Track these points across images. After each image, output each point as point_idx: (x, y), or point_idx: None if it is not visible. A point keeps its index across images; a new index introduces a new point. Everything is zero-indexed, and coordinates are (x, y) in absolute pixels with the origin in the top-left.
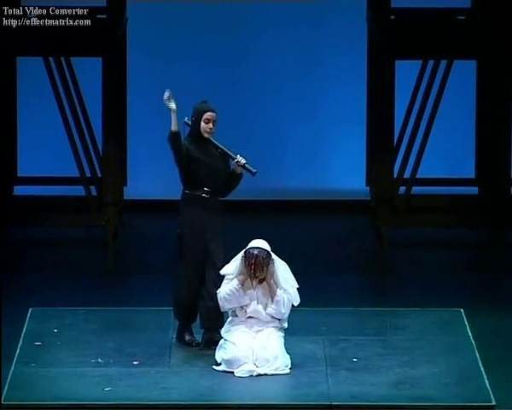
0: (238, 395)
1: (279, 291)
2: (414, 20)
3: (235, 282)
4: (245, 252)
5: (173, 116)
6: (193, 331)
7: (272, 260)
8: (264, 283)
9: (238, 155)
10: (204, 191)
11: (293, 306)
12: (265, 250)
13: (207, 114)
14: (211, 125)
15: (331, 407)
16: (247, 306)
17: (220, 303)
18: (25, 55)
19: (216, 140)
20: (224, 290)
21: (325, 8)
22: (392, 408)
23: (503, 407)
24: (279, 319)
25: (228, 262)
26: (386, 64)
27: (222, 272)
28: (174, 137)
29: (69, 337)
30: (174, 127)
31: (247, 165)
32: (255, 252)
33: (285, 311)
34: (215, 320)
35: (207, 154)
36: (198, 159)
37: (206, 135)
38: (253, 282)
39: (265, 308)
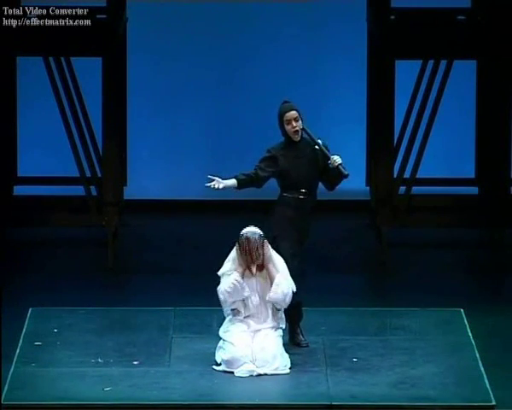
0: (238, 395)
1: (278, 275)
2: (414, 20)
3: (235, 274)
4: (237, 241)
5: (228, 184)
6: (301, 332)
7: (265, 240)
8: (263, 272)
9: (334, 156)
10: (300, 193)
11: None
12: (256, 232)
13: (286, 116)
14: (293, 124)
15: (331, 407)
16: (248, 299)
17: (222, 298)
18: (25, 55)
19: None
20: (224, 285)
21: (325, 8)
22: (392, 408)
23: (503, 407)
24: (277, 312)
25: None
26: (386, 64)
27: (219, 273)
28: (241, 186)
29: (69, 337)
30: (234, 184)
31: (340, 166)
32: (247, 235)
33: (285, 296)
34: (299, 315)
35: (299, 156)
36: (289, 163)
37: (293, 137)
38: (252, 269)
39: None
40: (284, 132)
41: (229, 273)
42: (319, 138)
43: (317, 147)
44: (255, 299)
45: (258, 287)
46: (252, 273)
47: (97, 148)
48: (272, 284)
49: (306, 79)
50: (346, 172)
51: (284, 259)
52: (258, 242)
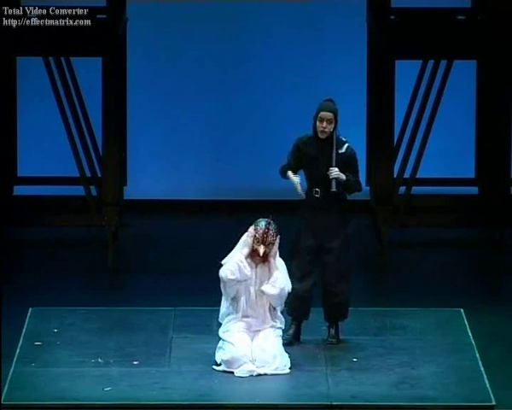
0: (238, 395)
1: (277, 271)
2: (414, 20)
3: (239, 255)
4: (254, 225)
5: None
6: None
7: (278, 232)
8: (264, 269)
9: (333, 168)
10: (316, 191)
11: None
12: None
13: (321, 114)
14: (324, 124)
15: (331, 407)
16: (246, 292)
17: (223, 275)
18: (25, 55)
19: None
20: (227, 264)
21: (325, 8)
22: (392, 408)
23: (503, 407)
24: (276, 312)
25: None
26: (386, 64)
27: (224, 261)
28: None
29: (69, 337)
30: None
31: (333, 181)
32: (269, 221)
33: (280, 291)
34: (339, 313)
35: (321, 154)
36: (310, 159)
37: (319, 135)
38: (260, 249)
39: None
40: (314, 127)
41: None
42: (349, 146)
43: (341, 151)
44: (252, 291)
45: (258, 281)
46: (259, 255)
47: (97, 148)
48: (269, 277)
49: (306, 78)
50: (333, 189)
51: (296, 257)
52: (274, 231)
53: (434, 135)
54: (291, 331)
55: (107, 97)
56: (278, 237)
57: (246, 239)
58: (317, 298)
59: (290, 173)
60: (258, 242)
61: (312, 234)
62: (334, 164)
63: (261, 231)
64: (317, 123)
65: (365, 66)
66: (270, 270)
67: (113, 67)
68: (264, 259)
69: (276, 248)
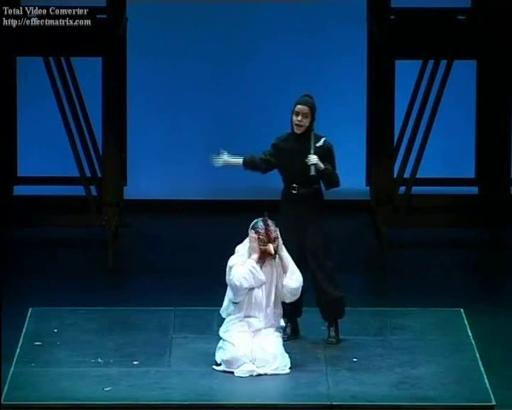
0: (238, 395)
1: (292, 263)
2: (414, 20)
3: (251, 261)
4: (252, 228)
5: (231, 161)
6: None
7: (278, 229)
8: (267, 265)
9: (312, 156)
10: (292, 187)
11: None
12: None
13: (297, 107)
14: (300, 117)
15: (331, 407)
16: (255, 292)
17: (238, 284)
18: (25, 55)
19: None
20: (240, 272)
21: (325, 8)
22: (392, 408)
23: (503, 407)
24: (277, 317)
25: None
26: (386, 64)
27: (230, 263)
28: (246, 167)
29: (69, 337)
30: (239, 163)
31: (312, 166)
32: (265, 218)
33: (299, 284)
34: (337, 311)
35: (298, 149)
36: (287, 155)
37: (295, 129)
38: (270, 248)
39: (272, 293)
40: (291, 121)
41: (242, 263)
42: (326, 140)
43: (318, 144)
44: (260, 293)
45: (269, 279)
46: (271, 254)
47: (97, 148)
48: (285, 271)
49: (306, 79)
50: (312, 173)
51: None
52: (274, 225)
53: (434, 135)
54: (288, 330)
55: (107, 97)
56: (278, 229)
57: (251, 245)
58: (314, 297)
59: (238, 159)
60: (264, 243)
61: (294, 233)
62: (312, 153)
63: (263, 231)
64: (293, 117)
65: (365, 66)
66: (283, 265)
67: (113, 67)
68: (274, 256)
69: (280, 241)
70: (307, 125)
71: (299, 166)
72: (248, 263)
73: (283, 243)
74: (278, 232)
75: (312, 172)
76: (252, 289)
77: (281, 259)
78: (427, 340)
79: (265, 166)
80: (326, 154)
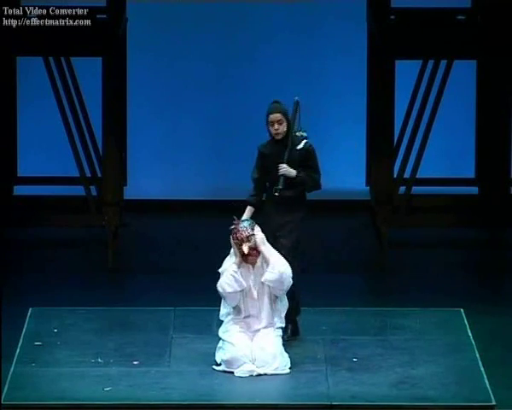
0: (238, 395)
1: (272, 257)
2: (414, 20)
3: (232, 266)
4: (230, 235)
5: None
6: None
7: (256, 225)
8: (259, 268)
9: (283, 165)
10: (275, 190)
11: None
12: (244, 220)
13: (270, 117)
14: (276, 126)
15: (331, 407)
16: (246, 296)
17: (220, 290)
18: (25, 55)
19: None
20: (222, 278)
21: (325, 8)
22: (392, 408)
23: (503, 407)
24: (277, 317)
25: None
26: (386, 64)
27: (220, 270)
28: (256, 207)
29: (69, 337)
30: (252, 210)
31: (280, 178)
32: (234, 225)
33: (281, 275)
34: (294, 311)
35: (277, 154)
36: (270, 161)
37: (275, 136)
38: (244, 248)
39: (266, 292)
40: (269, 131)
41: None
42: (307, 142)
43: (298, 147)
44: (254, 293)
45: (257, 282)
46: (244, 253)
47: (97, 148)
48: (267, 264)
49: (306, 79)
50: (279, 186)
51: None
52: (247, 226)
53: (434, 135)
54: (289, 330)
55: (107, 97)
56: (255, 227)
57: (233, 250)
58: (317, 297)
59: (247, 212)
60: (239, 245)
61: (271, 232)
62: (284, 161)
63: (234, 235)
64: (270, 127)
65: (365, 66)
66: (264, 259)
67: (113, 67)
68: (256, 253)
69: (259, 237)
70: (285, 129)
71: (276, 171)
72: (230, 268)
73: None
74: (252, 230)
75: (280, 186)
76: (242, 291)
77: (262, 254)
78: (427, 340)
79: (263, 183)
80: (306, 156)
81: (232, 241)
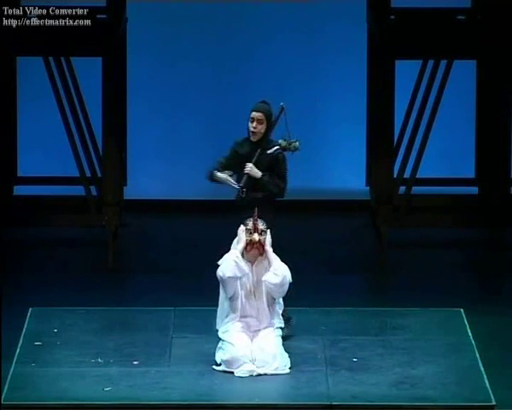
0: (238, 395)
1: (276, 260)
2: (414, 20)
3: (235, 252)
4: (242, 224)
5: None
6: None
7: (268, 229)
8: (261, 263)
9: (249, 164)
10: (242, 191)
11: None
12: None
13: (252, 113)
14: (254, 124)
15: (331, 407)
16: (242, 291)
17: (220, 274)
18: (25, 55)
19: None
20: (223, 263)
21: (325, 8)
22: (392, 408)
23: (503, 407)
24: (276, 318)
25: None
26: (386, 64)
27: (220, 261)
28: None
29: (69, 337)
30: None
31: (245, 176)
32: (255, 215)
33: (282, 279)
34: None
35: (250, 155)
36: (241, 160)
37: (251, 136)
38: (255, 236)
39: (264, 293)
40: (247, 128)
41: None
42: (278, 148)
43: (269, 151)
44: (253, 293)
45: (255, 279)
46: (255, 245)
47: (97, 148)
48: (270, 266)
49: (306, 79)
50: (240, 184)
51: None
52: (263, 222)
53: (434, 135)
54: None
55: (107, 97)
56: (268, 230)
57: (238, 237)
58: (317, 297)
59: (216, 173)
60: (250, 233)
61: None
62: (252, 161)
63: (250, 222)
64: (249, 123)
65: (365, 66)
66: (268, 260)
67: (113, 67)
68: (261, 251)
69: (269, 238)
70: (262, 131)
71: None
72: (231, 253)
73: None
74: (268, 231)
75: (241, 183)
76: (239, 279)
77: (267, 254)
78: (427, 340)
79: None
80: (274, 162)
81: (243, 228)
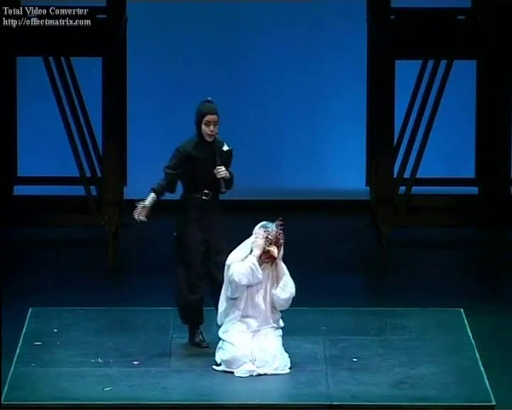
0: (238, 395)
1: (286, 275)
2: (414, 20)
3: (251, 258)
4: (262, 227)
5: (147, 204)
6: (201, 333)
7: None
8: (267, 268)
9: (220, 168)
10: (204, 194)
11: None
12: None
13: (207, 117)
14: (211, 127)
15: (331, 407)
16: (253, 291)
17: (237, 280)
18: (25, 55)
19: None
20: (239, 268)
21: (325, 8)
22: (392, 408)
23: (503, 407)
24: (276, 311)
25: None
26: (386, 64)
27: (229, 260)
28: (159, 196)
29: (69, 337)
30: (154, 198)
31: (221, 180)
32: (274, 226)
33: (290, 295)
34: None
35: (209, 156)
36: (196, 162)
37: (207, 138)
38: (274, 250)
39: (269, 294)
40: (199, 132)
41: (240, 259)
42: (226, 142)
43: (224, 149)
44: (258, 295)
45: (262, 286)
46: (270, 256)
47: (97, 148)
48: (278, 279)
49: (306, 78)
50: (223, 190)
51: (184, 262)
52: (282, 234)
53: (434, 135)
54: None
55: (107, 97)
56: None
57: (256, 241)
58: (317, 297)
59: (152, 196)
60: (270, 243)
61: (200, 233)
62: (219, 163)
63: (274, 233)
64: (204, 127)
65: (365, 66)
66: (278, 273)
67: (113, 67)
68: (272, 260)
69: (282, 251)
70: (217, 131)
71: (209, 173)
72: (249, 260)
73: (186, 239)
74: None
75: (223, 189)
76: (249, 286)
77: (277, 266)
78: (427, 340)
79: (174, 184)
80: (229, 158)
81: (263, 234)
